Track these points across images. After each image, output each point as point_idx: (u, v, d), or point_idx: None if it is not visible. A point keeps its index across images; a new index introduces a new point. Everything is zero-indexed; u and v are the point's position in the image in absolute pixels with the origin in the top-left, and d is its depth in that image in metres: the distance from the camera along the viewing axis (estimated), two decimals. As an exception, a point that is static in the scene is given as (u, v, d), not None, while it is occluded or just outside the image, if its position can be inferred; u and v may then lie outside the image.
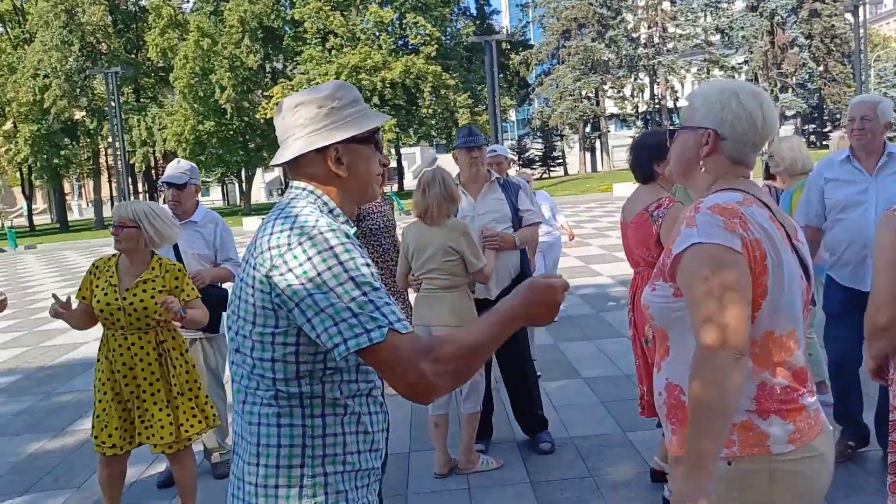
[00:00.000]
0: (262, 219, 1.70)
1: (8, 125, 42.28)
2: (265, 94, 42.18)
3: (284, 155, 1.66)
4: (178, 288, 3.57)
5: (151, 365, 3.52)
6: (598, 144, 51.86)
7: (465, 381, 1.53)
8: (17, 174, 47.99)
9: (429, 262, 3.99)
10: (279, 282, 1.48)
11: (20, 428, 5.81)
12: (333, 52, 41.02)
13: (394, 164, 48.11)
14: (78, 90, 40.20)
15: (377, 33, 42.27)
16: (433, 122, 43.77)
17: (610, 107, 49.99)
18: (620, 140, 44.40)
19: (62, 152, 41.50)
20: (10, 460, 5.13)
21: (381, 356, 1.44)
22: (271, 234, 1.54)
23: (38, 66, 39.48)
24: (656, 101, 48.56)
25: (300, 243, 1.48)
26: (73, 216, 57.38)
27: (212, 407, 3.74)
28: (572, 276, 10.05)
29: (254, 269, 1.53)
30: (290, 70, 44.15)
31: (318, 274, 1.45)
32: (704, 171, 1.83)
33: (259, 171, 48.59)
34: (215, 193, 70.86)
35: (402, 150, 47.83)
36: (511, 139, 59.05)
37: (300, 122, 1.65)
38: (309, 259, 1.47)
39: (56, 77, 39.23)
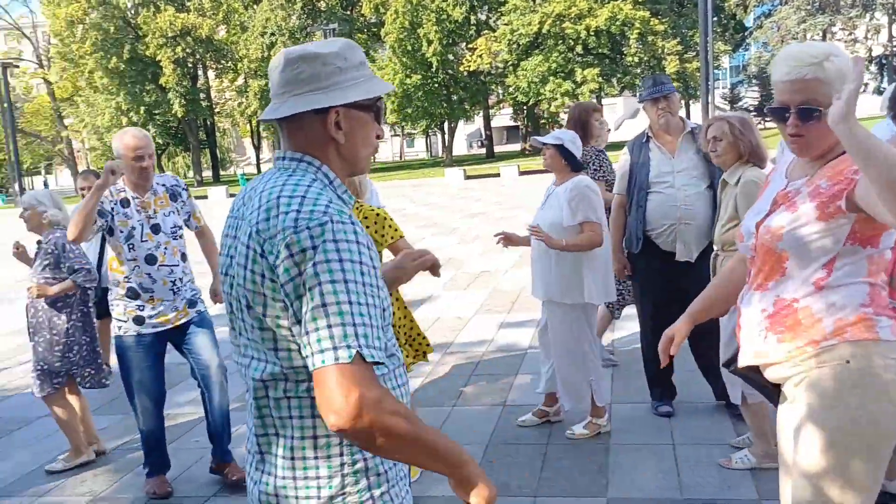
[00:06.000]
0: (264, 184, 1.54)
1: (240, 80, 46.43)
2: (469, 46, 42.73)
3: (280, 111, 1.54)
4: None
5: None
6: (823, 92, 47.19)
7: (378, 450, 1.39)
8: (248, 126, 52.73)
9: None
10: (290, 269, 1.39)
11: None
12: (538, 0, 40.56)
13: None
14: (299, 47, 43.16)
15: (583, -21, 41.14)
16: (638, 71, 42.15)
17: (839, 50, 45.16)
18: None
19: (285, 105, 45.00)
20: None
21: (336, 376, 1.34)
22: (279, 213, 1.43)
23: (266, 24, 42.72)
24: (894, 43, 43.29)
25: (323, 239, 1.38)
26: (293, 165, 61.84)
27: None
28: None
29: (260, 254, 1.44)
30: (494, 21, 44.27)
31: (338, 277, 1.36)
32: None
33: (460, 123, 49.56)
34: (419, 145, 73.44)
35: (604, 101, 46.59)
36: (723, 87, 55.49)
37: (302, 78, 1.52)
38: (334, 260, 1.37)
39: (281, 35, 42.31)
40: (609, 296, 4.22)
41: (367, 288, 1.39)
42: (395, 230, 3.65)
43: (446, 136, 47.94)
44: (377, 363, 1.36)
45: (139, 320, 3.89)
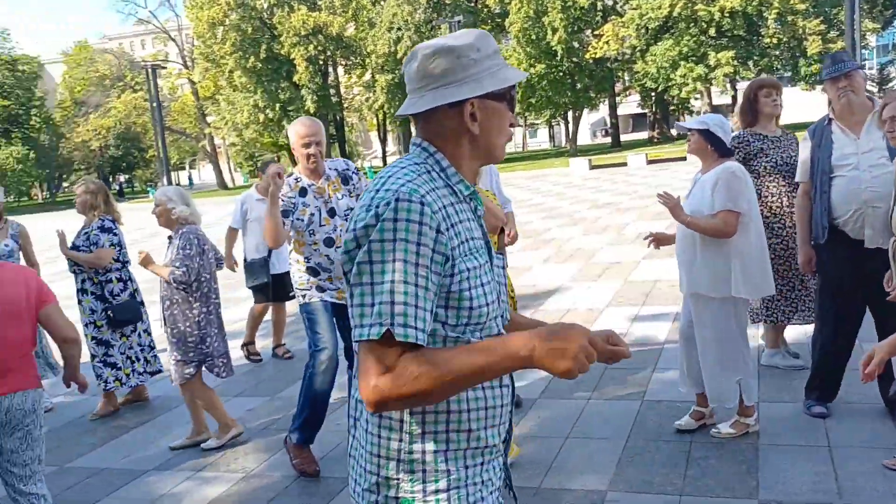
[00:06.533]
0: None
1: (367, 76, 47.59)
2: (595, 32, 41.87)
3: (417, 105, 1.56)
4: None
5: None
6: None
7: (426, 404, 1.47)
8: (374, 120, 54.04)
9: None
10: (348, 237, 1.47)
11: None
12: (668, -17, 39.16)
13: (725, 101, 45.05)
14: (425, 40, 43.65)
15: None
16: (777, 53, 39.92)
17: None
18: None
19: (410, 99, 45.83)
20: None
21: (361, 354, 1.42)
22: (367, 191, 1.52)
23: (392, 20, 43.55)
24: None
25: (384, 217, 1.41)
26: (417, 157, 62.97)
27: None
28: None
29: (346, 229, 1.52)
30: (621, 6, 43.13)
31: (376, 248, 1.41)
32: None
33: (584, 111, 48.62)
34: (542, 136, 72.76)
35: (738, 86, 44.43)
36: (870, 68, 51.72)
37: (437, 73, 1.54)
38: (388, 240, 1.40)
39: (407, 29, 43.01)
40: (761, 291, 4.00)
41: (420, 269, 1.41)
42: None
43: (570, 126, 47.20)
44: (409, 343, 1.39)
45: (321, 289, 4.17)
